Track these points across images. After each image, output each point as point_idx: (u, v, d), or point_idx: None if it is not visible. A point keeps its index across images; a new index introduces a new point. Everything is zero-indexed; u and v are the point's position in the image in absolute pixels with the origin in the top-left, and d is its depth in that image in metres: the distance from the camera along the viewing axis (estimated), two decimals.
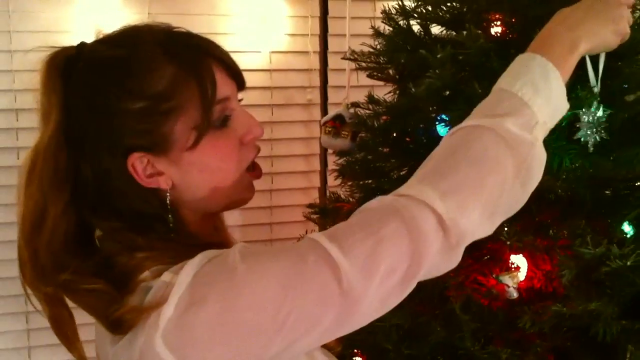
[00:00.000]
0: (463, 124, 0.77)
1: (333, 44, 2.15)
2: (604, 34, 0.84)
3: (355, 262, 0.66)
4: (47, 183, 0.74)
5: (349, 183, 1.25)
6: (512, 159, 0.73)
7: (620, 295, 1.04)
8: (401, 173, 1.23)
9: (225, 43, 2.28)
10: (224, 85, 0.78)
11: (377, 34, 1.24)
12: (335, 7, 2.09)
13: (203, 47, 0.78)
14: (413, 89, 1.11)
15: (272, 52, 2.08)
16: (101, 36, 0.79)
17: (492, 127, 0.74)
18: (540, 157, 0.76)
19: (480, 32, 1.06)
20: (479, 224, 0.72)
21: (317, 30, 2.10)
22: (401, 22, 1.29)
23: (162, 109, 0.74)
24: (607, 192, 1.04)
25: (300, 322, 0.67)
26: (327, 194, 1.43)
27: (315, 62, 2.11)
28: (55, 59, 0.76)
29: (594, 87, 0.94)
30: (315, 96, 2.15)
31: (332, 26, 2.13)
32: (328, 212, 1.35)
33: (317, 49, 2.11)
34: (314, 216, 1.38)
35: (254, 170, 0.84)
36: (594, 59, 0.92)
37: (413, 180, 0.73)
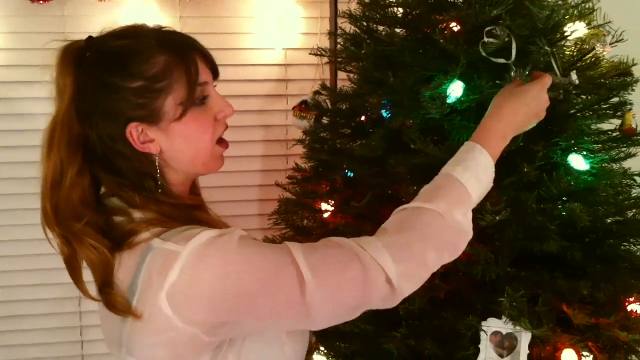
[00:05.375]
0: (421, 203, 0.97)
1: None
2: (528, 125, 1.10)
3: (319, 286, 0.86)
4: (64, 148, 0.88)
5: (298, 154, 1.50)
6: (452, 243, 0.97)
7: (509, 247, 1.26)
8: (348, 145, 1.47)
9: (248, 41, 2.62)
10: (203, 72, 0.94)
11: (329, 33, 1.49)
12: (344, 8, 2.32)
13: (189, 42, 0.95)
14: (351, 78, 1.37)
15: (287, 49, 2.31)
16: (105, 32, 0.94)
17: (444, 215, 0.95)
18: (467, 240, 0.99)
19: (398, 31, 1.30)
20: (414, 286, 0.96)
21: (326, 29, 2.34)
22: (364, 22, 1.54)
23: (156, 87, 0.89)
24: None
25: (267, 313, 0.85)
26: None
27: (324, 57, 2.36)
28: (69, 49, 0.91)
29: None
30: None
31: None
32: (297, 180, 1.62)
33: (327, 45, 2.35)
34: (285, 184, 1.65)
35: (222, 143, 1.01)
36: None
37: (378, 242, 0.92)
